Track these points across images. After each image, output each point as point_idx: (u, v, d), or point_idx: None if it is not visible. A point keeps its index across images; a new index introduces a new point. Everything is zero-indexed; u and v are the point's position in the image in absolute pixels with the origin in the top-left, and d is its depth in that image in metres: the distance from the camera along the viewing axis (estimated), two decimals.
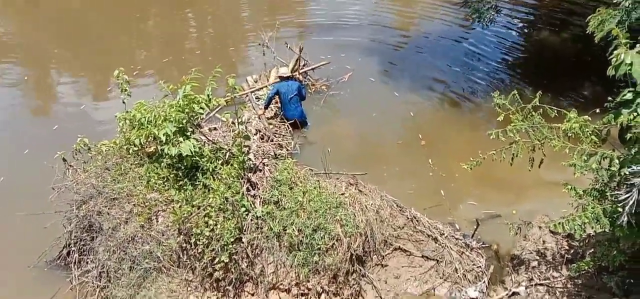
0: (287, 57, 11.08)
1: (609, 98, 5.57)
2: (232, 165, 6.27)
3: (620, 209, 5.51)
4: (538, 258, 6.94)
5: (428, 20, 14.28)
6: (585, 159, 5.38)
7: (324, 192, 6.64)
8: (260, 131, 8.89)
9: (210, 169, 6.19)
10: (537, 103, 5.91)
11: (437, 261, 6.91)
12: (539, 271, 6.76)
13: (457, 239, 7.17)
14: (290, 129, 9.32)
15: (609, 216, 5.42)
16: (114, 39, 13.93)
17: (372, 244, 6.75)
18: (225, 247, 5.83)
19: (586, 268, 6.07)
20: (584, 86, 10.81)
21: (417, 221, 7.17)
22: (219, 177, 6.17)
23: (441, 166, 8.72)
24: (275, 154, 7.85)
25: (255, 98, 10.18)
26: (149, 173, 6.42)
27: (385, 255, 6.88)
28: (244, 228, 6.01)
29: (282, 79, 9.58)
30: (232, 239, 5.85)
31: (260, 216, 6.07)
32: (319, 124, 9.83)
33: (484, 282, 6.72)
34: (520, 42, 13.39)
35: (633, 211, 4.74)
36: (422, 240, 7.09)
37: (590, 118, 5.58)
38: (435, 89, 11.14)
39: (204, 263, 5.85)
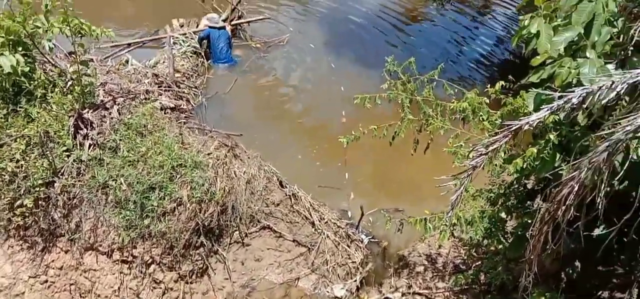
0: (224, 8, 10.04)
1: (510, 77, 4.53)
2: (67, 95, 5.22)
3: (503, 216, 4.56)
4: (427, 263, 5.97)
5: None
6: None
7: (186, 148, 5.62)
8: (159, 76, 7.88)
9: (38, 96, 5.13)
10: (436, 77, 4.90)
11: (309, 248, 5.92)
12: (422, 278, 5.79)
13: (339, 227, 6.17)
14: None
15: (490, 222, 4.44)
16: None
17: (235, 218, 5.75)
18: (32, 189, 4.81)
19: (463, 281, 5.10)
20: None
21: (297, 199, 6.16)
22: (47, 107, 5.12)
23: (356, 149, 7.71)
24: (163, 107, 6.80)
25: (173, 43, 9.11)
26: None
27: (250, 233, 5.89)
28: (61, 171, 4.97)
29: (213, 28, 9.09)
30: (40, 181, 4.82)
31: (84, 160, 5.03)
32: (241, 81, 8.83)
33: (355, 281, 5.74)
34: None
35: None
36: (298, 222, 6.08)
37: (488, 100, 4.56)
38: (375, 69, 10.03)
39: (3, 204, 4.83)
